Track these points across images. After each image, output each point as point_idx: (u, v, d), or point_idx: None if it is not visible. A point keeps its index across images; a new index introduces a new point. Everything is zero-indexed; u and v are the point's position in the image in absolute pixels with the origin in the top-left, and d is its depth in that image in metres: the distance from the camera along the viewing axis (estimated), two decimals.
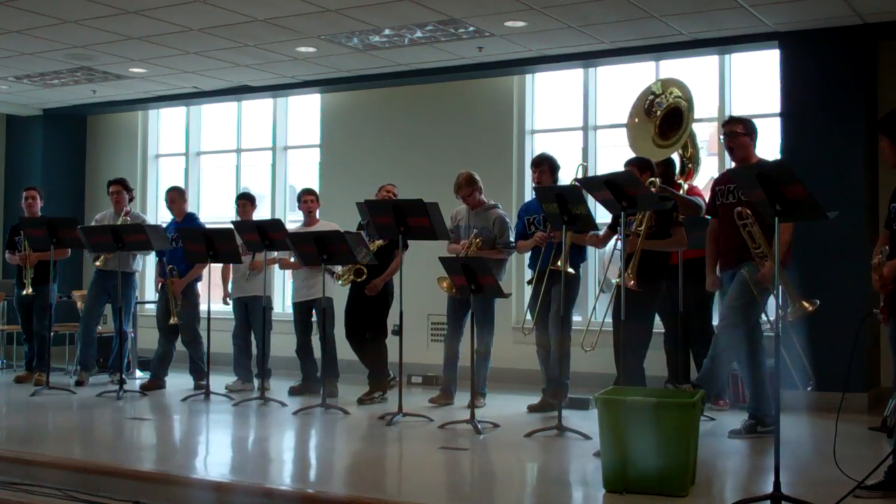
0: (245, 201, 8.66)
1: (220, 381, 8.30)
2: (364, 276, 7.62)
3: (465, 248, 7.26)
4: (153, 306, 9.35)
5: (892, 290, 4.53)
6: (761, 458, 5.45)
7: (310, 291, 8.14)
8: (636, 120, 7.78)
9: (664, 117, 7.63)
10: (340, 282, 7.78)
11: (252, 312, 8.39)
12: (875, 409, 6.97)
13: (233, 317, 8.60)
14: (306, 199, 8.36)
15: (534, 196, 7.17)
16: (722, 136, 6.07)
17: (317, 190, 8.67)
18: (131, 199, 8.93)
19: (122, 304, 8.36)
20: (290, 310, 10.41)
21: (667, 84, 7.76)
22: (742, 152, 5.95)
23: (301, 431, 6.68)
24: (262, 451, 6.25)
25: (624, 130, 7.98)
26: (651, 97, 7.75)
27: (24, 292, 8.68)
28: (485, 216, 7.50)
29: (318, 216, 8.44)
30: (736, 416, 7.13)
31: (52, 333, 8.65)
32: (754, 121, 6.16)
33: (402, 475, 5.53)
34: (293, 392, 8.10)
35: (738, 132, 5.94)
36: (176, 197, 8.72)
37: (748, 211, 5.61)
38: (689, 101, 7.50)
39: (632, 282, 5.92)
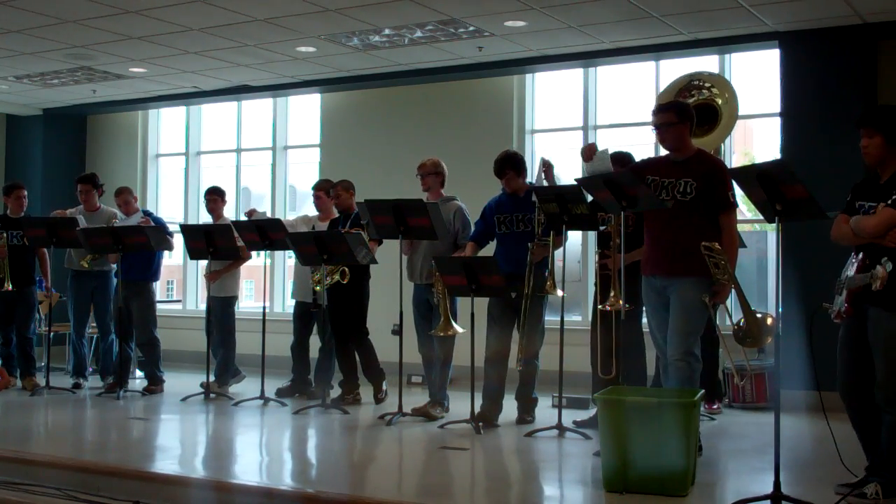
0: (215, 196, 8.46)
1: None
2: (348, 278, 7.38)
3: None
4: None
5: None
6: (761, 458, 5.45)
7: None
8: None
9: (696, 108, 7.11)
10: (319, 286, 7.43)
11: (214, 313, 8.25)
12: None
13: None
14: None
15: (503, 194, 6.81)
16: (652, 128, 5.50)
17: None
18: (100, 195, 8.77)
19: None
20: (288, 309, 10.42)
21: (714, 79, 7.22)
22: (676, 142, 5.42)
23: (301, 431, 6.67)
24: (262, 451, 6.27)
25: (624, 130, 7.92)
26: (692, 81, 7.17)
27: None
28: (444, 208, 7.04)
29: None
30: (735, 416, 7.15)
31: (51, 334, 8.61)
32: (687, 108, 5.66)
33: (402, 475, 5.53)
34: (280, 394, 7.95)
35: (672, 122, 5.39)
36: (129, 198, 8.61)
37: (717, 246, 5.09)
38: (729, 101, 6.97)
39: (623, 305, 5.60)
